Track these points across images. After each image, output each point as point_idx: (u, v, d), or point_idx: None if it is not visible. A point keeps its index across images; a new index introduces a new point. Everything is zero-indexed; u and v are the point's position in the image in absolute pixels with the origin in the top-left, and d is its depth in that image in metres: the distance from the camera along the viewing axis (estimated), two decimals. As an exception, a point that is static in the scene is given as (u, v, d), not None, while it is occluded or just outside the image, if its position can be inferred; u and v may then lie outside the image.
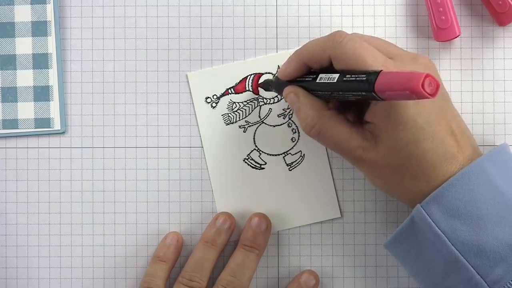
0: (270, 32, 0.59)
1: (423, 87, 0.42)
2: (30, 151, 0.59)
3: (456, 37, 0.58)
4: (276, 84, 0.55)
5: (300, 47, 0.53)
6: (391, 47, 0.52)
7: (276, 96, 0.59)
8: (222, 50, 0.59)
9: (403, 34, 0.59)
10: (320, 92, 0.51)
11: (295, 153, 0.59)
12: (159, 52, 0.59)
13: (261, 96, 0.59)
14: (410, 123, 0.48)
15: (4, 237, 0.59)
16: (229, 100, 0.59)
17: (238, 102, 0.59)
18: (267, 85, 0.57)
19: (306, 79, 0.52)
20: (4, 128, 0.59)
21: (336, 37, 0.50)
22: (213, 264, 0.56)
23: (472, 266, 0.47)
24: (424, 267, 0.51)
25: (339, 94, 0.49)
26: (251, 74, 0.59)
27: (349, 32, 0.59)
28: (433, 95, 0.42)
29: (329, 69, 0.51)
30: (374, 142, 0.50)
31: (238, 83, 0.59)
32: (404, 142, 0.48)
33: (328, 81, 0.49)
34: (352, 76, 0.47)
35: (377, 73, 0.45)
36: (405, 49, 0.53)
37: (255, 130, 0.59)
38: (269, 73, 0.59)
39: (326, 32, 0.59)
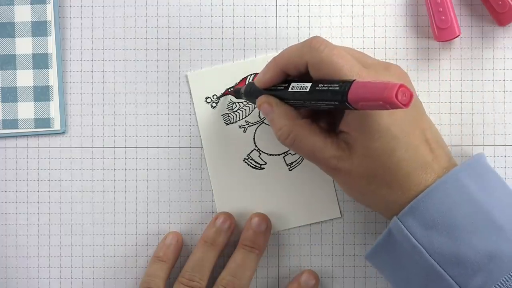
0: (270, 32, 0.59)
1: (397, 97, 0.42)
2: (30, 151, 0.59)
3: (456, 37, 0.58)
4: (248, 92, 0.55)
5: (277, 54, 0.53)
6: (365, 57, 0.52)
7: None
8: (222, 50, 0.59)
9: (403, 34, 0.59)
10: (292, 101, 0.51)
11: (295, 153, 0.59)
12: (159, 52, 0.59)
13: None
14: (384, 132, 0.48)
15: (4, 237, 0.59)
16: (229, 100, 0.59)
17: (238, 102, 0.59)
18: (238, 93, 0.57)
19: (279, 88, 0.52)
20: (4, 128, 0.59)
21: (313, 43, 0.49)
22: (213, 264, 0.56)
23: (450, 276, 0.47)
24: (404, 278, 0.50)
25: (312, 103, 0.49)
26: (251, 74, 0.59)
27: (349, 32, 0.59)
28: (406, 105, 0.42)
29: (307, 76, 0.50)
30: (349, 151, 0.50)
31: (238, 83, 0.59)
32: (378, 152, 0.48)
33: (301, 90, 0.49)
34: (325, 85, 0.47)
35: (350, 83, 0.45)
36: (377, 59, 0.53)
37: (255, 130, 0.59)
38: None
39: (326, 32, 0.59)
